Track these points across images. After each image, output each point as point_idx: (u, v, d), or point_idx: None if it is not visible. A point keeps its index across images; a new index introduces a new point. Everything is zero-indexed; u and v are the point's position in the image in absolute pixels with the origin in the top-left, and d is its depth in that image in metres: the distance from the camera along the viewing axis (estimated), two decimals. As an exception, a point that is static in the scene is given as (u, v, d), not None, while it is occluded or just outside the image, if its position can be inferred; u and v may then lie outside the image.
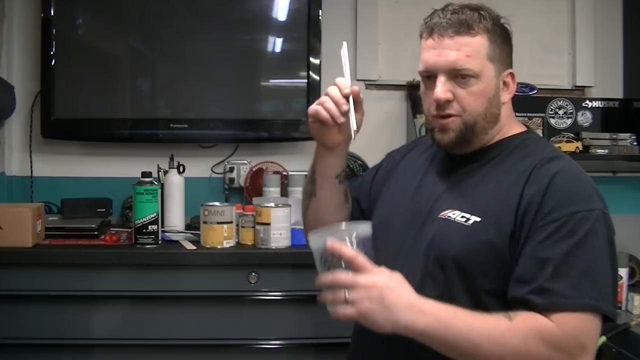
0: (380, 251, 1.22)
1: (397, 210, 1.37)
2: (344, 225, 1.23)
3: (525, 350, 1.09)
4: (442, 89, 1.24)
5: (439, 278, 1.22)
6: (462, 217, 1.23)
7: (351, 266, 1.12)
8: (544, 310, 1.11)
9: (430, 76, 1.27)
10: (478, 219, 1.21)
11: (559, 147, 2.51)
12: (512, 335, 1.09)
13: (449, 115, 1.26)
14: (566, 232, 1.13)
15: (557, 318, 1.10)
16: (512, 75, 1.31)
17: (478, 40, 1.24)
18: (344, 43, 1.31)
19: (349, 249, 1.14)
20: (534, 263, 1.13)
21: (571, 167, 1.23)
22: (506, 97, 1.30)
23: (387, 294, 1.11)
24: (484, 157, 1.30)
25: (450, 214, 1.24)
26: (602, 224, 1.16)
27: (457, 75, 1.24)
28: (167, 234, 2.34)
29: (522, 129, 1.35)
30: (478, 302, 1.18)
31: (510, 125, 1.33)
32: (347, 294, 1.11)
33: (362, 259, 1.13)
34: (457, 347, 1.11)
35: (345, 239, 1.17)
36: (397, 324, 1.11)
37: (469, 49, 1.23)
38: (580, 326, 1.11)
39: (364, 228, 1.19)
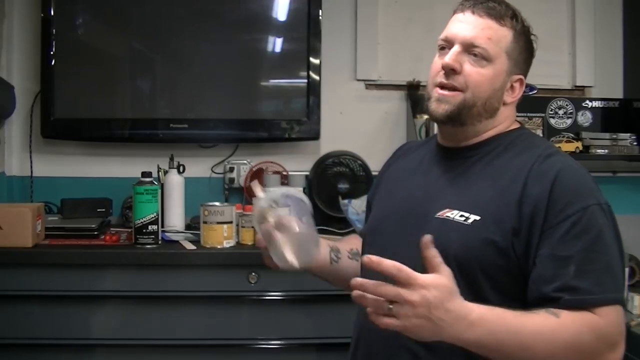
0: (374, 255, 1.21)
1: (389, 213, 1.37)
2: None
3: (578, 344, 1.11)
4: (453, 57, 1.26)
5: None
6: (461, 216, 1.22)
7: (395, 279, 1.04)
8: (573, 307, 1.12)
9: (445, 47, 1.29)
10: (478, 218, 1.20)
11: (559, 147, 2.51)
12: (564, 331, 1.10)
13: (453, 89, 1.27)
14: (582, 228, 1.15)
15: (596, 312, 1.12)
16: (521, 81, 1.33)
17: (503, 31, 1.28)
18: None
19: (390, 263, 1.04)
20: (555, 262, 1.14)
21: (570, 162, 1.24)
22: (509, 99, 1.32)
23: (436, 310, 1.04)
24: (477, 153, 1.30)
25: (448, 214, 1.24)
26: (610, 215, 1.19)
27: (472, 52, 1.26)
28: (167, 234, 2.34)
29: (515, 125, 1.36)
30: (480, 301, 1.18)
31: (507, 125, 1.34)
32: (390, 305, 1.04)
33: (406, 271, 1.04)
34: (509, 352, 1.11)
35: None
36: (444, 338, 1.08)
37: (491, 33, 1.26)
38: (617, 316, 1.14)
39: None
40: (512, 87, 1.32)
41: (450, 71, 1.26)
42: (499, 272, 1.18)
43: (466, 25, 1.27)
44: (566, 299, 1.12)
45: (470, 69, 1.26)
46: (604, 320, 1.12)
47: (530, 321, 1.11)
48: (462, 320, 1.08)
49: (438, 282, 1.07)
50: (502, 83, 1.29)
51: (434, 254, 1.07)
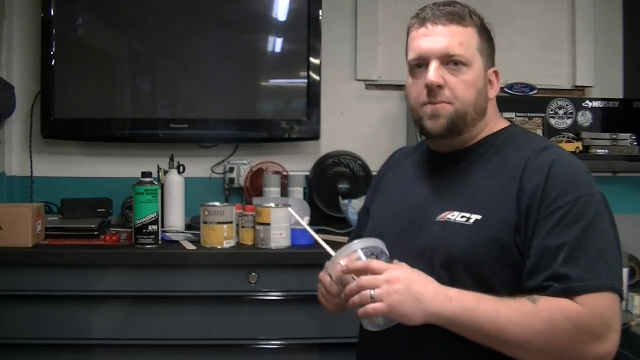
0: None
1: (389, 221, 1.37)
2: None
3: (551, 332, 1.10)
4: (434, 73, 1.25)
5: (445, 281, 1.21)
6: (463, 217, 1.23)
7: (369, 272, 1.15)
8: (562, 294, 1.12)
9: (420, 65, 1.29)
10: (479, 217, 1.21)
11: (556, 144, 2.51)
12: (538, 317, 1.11)
13: (440, 102, 1.26)
14: (573, 218, 1.15)
15: (579, 300, 1.11)
16: (496, 73, 1.34)
17: (469, 31, 1.27)
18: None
19: (360, 261, 1.17)
20: (546, 252, 1.14)
21: (564, 154, 1.25)
22: (492, 93, 1.33)
23: (412, 284, 1.14)
24: (472, 155, 1.31)
25: (449, 216, 1.24)
26: (604, 206, 1.19)
27: (449, 62, 1.26)
28: (167, 234, 2.34)
29: (506, 124, 1.36)
30: None
31: (495, 122, 1.34)
32: (372, 292, 1.13)
33: (376, 263, 1.16)
34: (484, 331, 1.13)
35: (356, 251, 1.19)
36: (426, 313, 1.13)
37: (462, 37, 1.26)
38: (603, 305, 1.12)
39: (373, 241, 1.22)
40: (489, 81, 1.32)
41: (436, 88, 1.25)
42: (506, 268, 1.19)
43: (435, 37, 1.26)
44: (555, 287, 1.12)
45: (454, 80, 1.26)
46: (586, 309, 1.11)
47: (506, 305, 1.12)
48: (441, 294, 1.14)
49: (410, 267, 1.18)
50: (483, 82, 1.29)
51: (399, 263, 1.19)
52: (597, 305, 1.11)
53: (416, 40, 1.29)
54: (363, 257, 1.19)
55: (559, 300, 1.11)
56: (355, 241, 1.21)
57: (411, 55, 1.30)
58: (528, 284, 1.16)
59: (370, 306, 1.12)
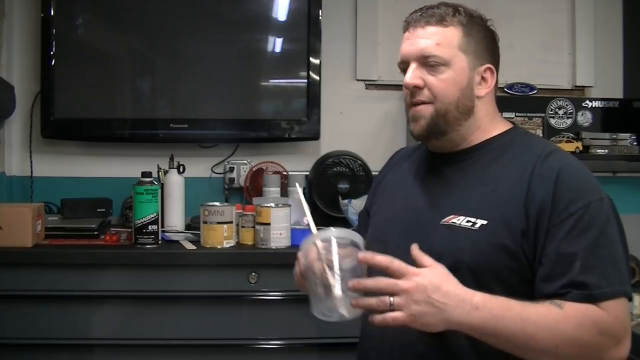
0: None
1: (391, 224, 1.36)
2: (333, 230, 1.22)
3: (580, 337, 1.11)
4: (412, 74, 1.29)
5: None
6: (468, 221, 1.22)
7: (388, 272, 1.11)
8: (583, 301, 1.12)
9: (406, 68, 1.32)
10: (485, 222, 1.20)
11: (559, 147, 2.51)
12: (566, 323, 1.10)
13: (421, 103, 1.29)
14: (585, 225, 1.15)
15: (600, 306, 1.12)
16: (490, 70, 1.31)
17: (450, 31, 1.28)
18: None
19: (382, 257, 1.12)
20: (561, 260, 1.14)
21: (570, 160, 1.25)
22: (482, 91, 1.30)
23: (434, 293, 1.09)
24: (473, 157, 1.30)
25: (454, 220, 1.23)
26: (611, 210, 1.20)
27: (427, 63, 1.28)
28: (167, 234, 2.34)
29: (508, 126, 1.35)
30: None
31: (495, 124, 1.33)
32: (391, 299, 1.09)
33: (397, 264, 1.11)
34: (512, 339, 1.11)
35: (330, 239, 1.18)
36: (449, 322, 1.10)
37: (439, 38, 1.28)
38: (622, 311, 1.14)
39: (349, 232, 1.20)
40: (483, 79, 1.30)
41: (414, 89, 1.29)
42: (512, 274, 1.19)
43: (413, 40, 1.30)
44: (575, 292, 1.12)
45: (432, 80, 1.27)
46: (608, 314, 1.12)
47: (534, 311, 1.12)
48: (466, 302, 1.11)
49: (431, 269, 1.13)
50: (467, 80, 1.28)
51: (420, 255, 1.15)
52: (617, 311, 1.13)
53: (402, 44, 1.34)
54: (335, 247, 1.17)
55: (584, 306, 1.12)
56: (332, 229, 1.20)
57: (398, 60, 1.35)
58: (543, 290, 1.15)
59: (390, 315, 1.09)
